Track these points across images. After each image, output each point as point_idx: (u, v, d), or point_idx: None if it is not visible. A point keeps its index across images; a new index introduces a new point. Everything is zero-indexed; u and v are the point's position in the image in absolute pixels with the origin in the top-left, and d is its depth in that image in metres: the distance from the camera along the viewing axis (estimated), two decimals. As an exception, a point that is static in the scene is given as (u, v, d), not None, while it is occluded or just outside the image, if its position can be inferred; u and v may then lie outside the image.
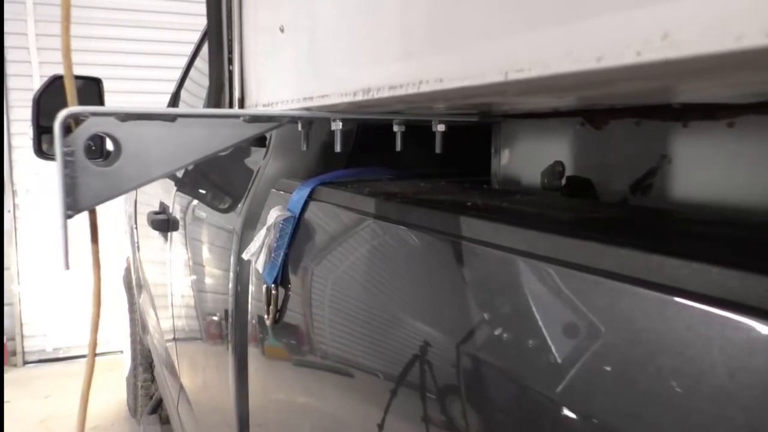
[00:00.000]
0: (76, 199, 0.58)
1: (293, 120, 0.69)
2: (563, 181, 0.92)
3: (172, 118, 0.64)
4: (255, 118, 0.69)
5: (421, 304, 0.64)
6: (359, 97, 0.50)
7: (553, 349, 0.44)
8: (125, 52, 4.19)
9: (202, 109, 0.71)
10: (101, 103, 1.84)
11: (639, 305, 0.38)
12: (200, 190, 1.68)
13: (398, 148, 0.79)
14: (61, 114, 0.58)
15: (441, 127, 0.73)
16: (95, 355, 0.76)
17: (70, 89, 0.68)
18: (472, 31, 0.37)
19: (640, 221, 0.60)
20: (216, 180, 1.60)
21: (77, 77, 1.28)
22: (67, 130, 0.60)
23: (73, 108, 0.59)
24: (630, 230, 0.54)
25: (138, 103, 3.63)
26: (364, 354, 0.74)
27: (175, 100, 2.39)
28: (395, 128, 0.78)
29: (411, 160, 1.06)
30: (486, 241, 0.54)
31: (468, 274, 0.57)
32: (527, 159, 1.00)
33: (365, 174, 0.99)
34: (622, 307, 0.40)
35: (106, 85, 1.79)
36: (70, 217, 0.58)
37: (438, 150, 0.76)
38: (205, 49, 1.72)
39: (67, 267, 0.59)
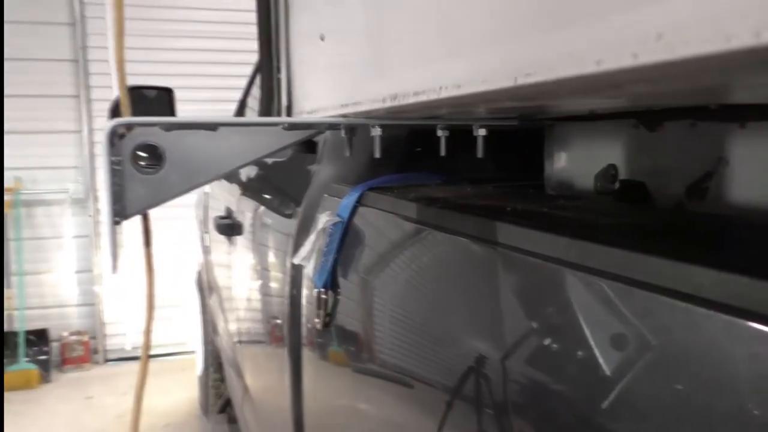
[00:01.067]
0: (124, 206, 0.61)
1: (331, 127, 0.70)
2: (616, 185, 0.89)
3: (213, 127, 0.66)
4: (294, 126, 0.71)
5: (465, 312, 0.63)
6: (387, 104, 0.51)
7: (609, 370, 0.41)
8: (195, 62, 4.34)
9: (242, 118, 0.73)
10: (172, 112, 1.91)
11: (700, 325, 0.34)
12: (262, 195, 1.73)
13: (442, 152, 0.79)
14: (108, 126, 0.61)
15: (482, 132, 0.72)
16: (149, 356, 0.79)
17: (124, 101, 0.71)
18: (482, 38, 0.37)
19: (698, 230, 0.57)
20: (277, 185, 1.64)
21: (150, 87, 1.34)
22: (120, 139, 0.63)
23: (119, 119, 0.62)
24: (688, 241, 0.50)
25: (208, 111, 3.76)
26: (408, 360, 0.74)
27: (242, 107, 2.46)
28: (439, 133, 0.78)
29: (465, 164, 1.05)
30: (533, 251, 0.52)
31: (515, 284, 0.56)
32: (580, 162, 0.98)
33: (414, 179, 0.99)
34: (679, 325, 0.36)
35: (178, 95, 1.86)
36: (117, 223, 0.61)
37: (479, 154, 0.76)
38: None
39: (115, 270, 0.62)
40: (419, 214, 0.76)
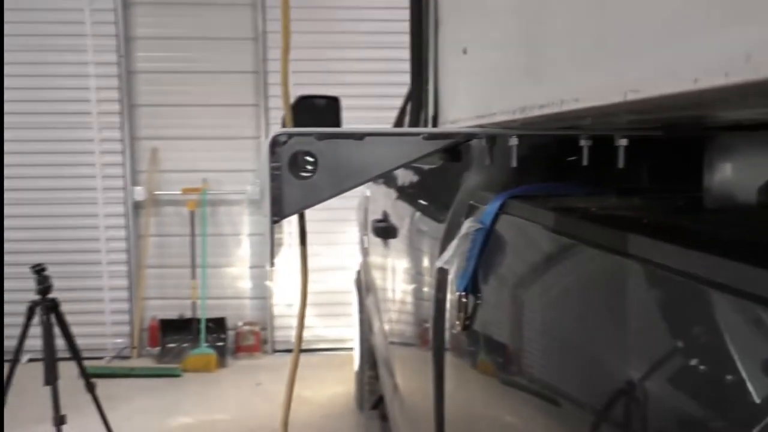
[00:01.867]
0: (281, 207, 0.69)
1: (468, 137, 0.73)
2: (782, 200, 0.83)
3: (360, 137, 0.72)
4: (432, 136, 0.75)
5: (602, 327, 0.62)
6: (517, 116, 0.53)
7: (759, 398, 0.40)
8: (363, 72, 4.54)
9: (385, 128, 0.78)
10: (338, 119, 2.04)
11: None
12: (416, 200, 1.79)
13: (584, 162, 0.79)
14: (270, 135, 0.68)
15: (623, 142, 0.72)
16: (300, 350, 0.86)
17: (288, 113, 0.79)
18: (597, 56, 0.39)
19: None
20: (430, 190, 1.69)
21: (319, 97, 1.45)
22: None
23: (280, 130, 0.69)
24: None
25: (374, 118, 3.92)
26: (543, 368, 0.75)
27: (401, 115, 2.56)
28: (582, 143, 0.78)
29: (614, 174, 1.03)
30: (683, 270, 0.49)
31: (661, 304, 0.54)
32: (743, 174, 0.92)
33: (558, 189, 0.99)
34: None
35: (346, 102, 1.98)
36: (276, 222, 0.69)
37: (620, 165, 0.75)
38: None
39: (272, 265, 0.70)
40: (559, 225, 0.76)
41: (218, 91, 4.54)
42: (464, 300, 0.99)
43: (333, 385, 3.97)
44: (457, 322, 1.02)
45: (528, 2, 0.50)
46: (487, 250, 0.96)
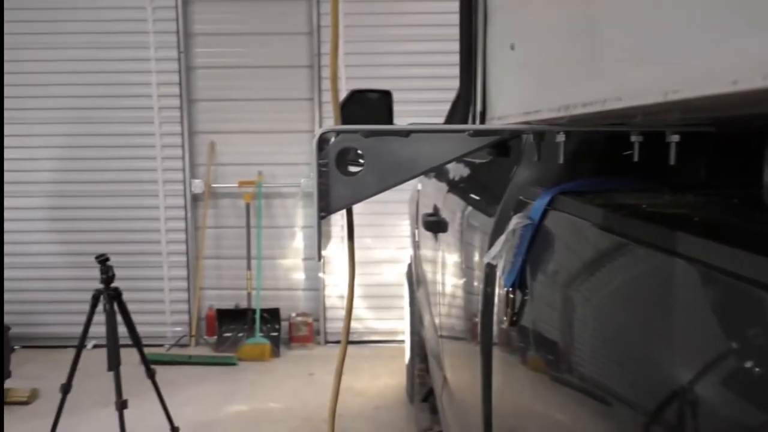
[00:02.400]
0: (328, 203, 0.70)
1: (513, 134, 0.73)
2: (843, 196, 0.80)
3: (406, 134, 0.73)
4: (478, 132, 0.75)
5: (652, 328, 0.62)
6: (561, 113, 0.53)
7: None
8: (414, 65, 4.54)
9: (430, 125, 0.78)
10: (390, 113, 2.05)
11: None
12: (466, 194, 1.78)
13: (635, 158, 0.78)
14: (317, 133, 0.70)
15: (675, 138, 0.70)
16: (347, 342, 0.88)
17: (336, 110, 0.80)
18: (640, 55, 0.38)
19: None
20: (480, 185, 1.69)
21: (369, 91, 1.46)
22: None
23: (327, 127, 0.71)
24: None
25: (426, 112, 3.92)
26: (590, 367, 0.74)
27: (453, 109, 2.55)
28: (633, 138, 0.76)
29: (667, 169, 1.00)
30: (739, 272, 0.48)
31: (714, 306, 0.53)
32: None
33: (609, 184, 0.97)
34: None
35: (398, 96, 1.99)
36: (323, 218, 0.70)
37: (671, 161, 0.73)
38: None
39: (320, 259, 0.71)
40: (609, 222, 0.75)
41: (273, 86, 4.62)
42: (511, 296, 0.99)
43: (384, 377, 4.01)
44: (505, 318, 1.01)
45: (564, 12, 0.50)
46: (535, 246, 0.95)
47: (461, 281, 1.62)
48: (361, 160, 0.78)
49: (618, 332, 0.68)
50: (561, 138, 0.70)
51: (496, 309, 1.16)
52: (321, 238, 0.71)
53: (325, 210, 0.71)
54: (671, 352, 0.58)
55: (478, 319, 1.29)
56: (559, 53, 0.54)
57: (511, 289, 0.98)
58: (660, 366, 0.58)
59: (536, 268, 0.94)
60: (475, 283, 1.35)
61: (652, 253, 0.64)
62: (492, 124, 0.76)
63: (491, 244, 1.24)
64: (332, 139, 0.72)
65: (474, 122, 0.87)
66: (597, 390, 0.72)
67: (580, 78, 0.48)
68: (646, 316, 0.64)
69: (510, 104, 0.73)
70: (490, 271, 1.22)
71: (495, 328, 1.16)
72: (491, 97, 0.86)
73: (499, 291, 1.15)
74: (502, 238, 0.99)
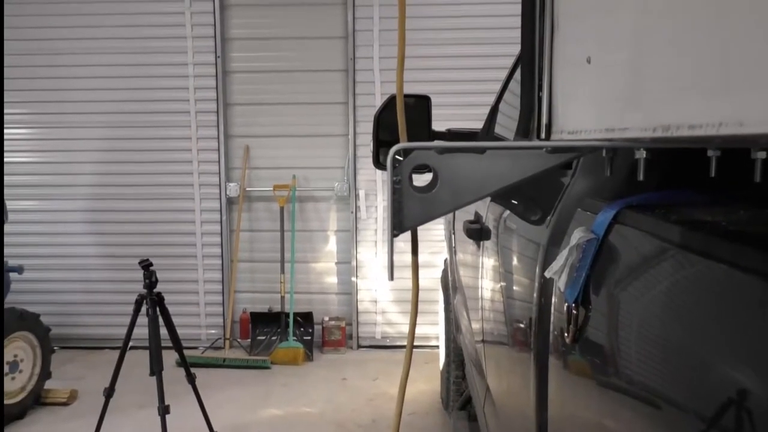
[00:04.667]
0: (401, 221, 0.69)
1: (593, 150, 0.71)
2: None
3: (482, 151, 0.71)
4: (557, 149, 0.73)
5: (723, 347, 0.60)
6: (658, 134, 0.51)
7: None
8: (449, 68, 4.52)
9: (508, 142, 0.77)
10: (429, 118, 2.04)
11: None
12: (512, 202, 1.76)
13: (712, 173, 0.75)
14: (392, 150, 0.69)
15: (761, 155, 0.67)
16: (411, 359, 0.87)
17: (402, 127, 0.79)
18: (726, 83, 0.37)
19: None
20: (527, 193, 1.66)
21: (408, 96, 1.45)
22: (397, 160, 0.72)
23: (402, 144, 0.70)
24: None
25: (462, 116, 3.89)
26: (659, 386, 0.72)
27: (493, 114, 2.52)
28: (710, 153, 0.74)
29: (735, 181, 0.97)
30: None
31: None
32: None
33: (676, 197, 0.95)
34: None
35: (435, 100, 1.98)
36: (396, 236, 0.69)
37: (757, 179, 0.70)
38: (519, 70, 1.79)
39: (391, 278, 0.70)
40: (683, 239, 0.73)
41: (308, 90, 4.64)
42: (574, 312, 0.97)
43: (419, 383, 3.98)
44: (566, 334, 0.99)
45: (662, 23, 0.48)
46: (599, 262, 0.93)
47: (508, 290, 1.60)
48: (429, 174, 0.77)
49: (690, 355, 0.66)
50: (642, 155, 0.68)
51: (552, 323, 1.14)
52: (392, 257, 0.70)
53: (398, 228, 0.70)
54: (749, 376, 0.56)
55: (531, 332, 1.27)
56: (655, 68, 0.52)
57: (573, 305, 0.96)
58: (737, 391, 0.56)
59: (601, 285, 0.92)
60: (527, 294, 1.33)
61: (728, 272, 0.62)
62: (562, 137, 0.74)
63: (547, 256, 1.22)
64: (406, 157, 0.71)
65: (539, 135, 0.85)
66: (664, 412, 0.70)
67: (683, 97, 0.46)
68: (719, 337, 0.62)
69: (585, 119, 0.71)
70: (545, 282, 1.20)
71: (552, 343, 1.14)
72: (558, 109, 0.84)
73: (556, 304, 1.13)
74: (564, 252, 0.97)
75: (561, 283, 1.00)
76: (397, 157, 0.69)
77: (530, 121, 0.93)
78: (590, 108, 0.70)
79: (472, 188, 0.72)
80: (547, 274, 1.01)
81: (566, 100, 0.80)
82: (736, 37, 0.39)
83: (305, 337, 4.55)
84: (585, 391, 1.00)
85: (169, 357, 2.82)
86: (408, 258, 3.96)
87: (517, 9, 0.94)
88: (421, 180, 0.81)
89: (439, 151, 0.70)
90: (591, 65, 0.70)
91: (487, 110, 2.60)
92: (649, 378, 0.75)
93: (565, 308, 1.00)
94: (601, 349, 0.93)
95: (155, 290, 2.63)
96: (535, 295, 1.26)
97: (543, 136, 0.86)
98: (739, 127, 0.39)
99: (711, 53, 0.42)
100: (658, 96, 0.51)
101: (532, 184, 1.62)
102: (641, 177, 0.72)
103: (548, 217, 1.29)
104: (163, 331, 2.72)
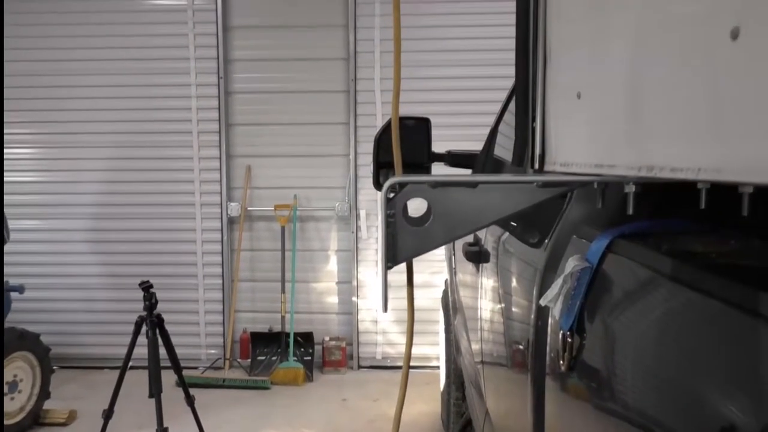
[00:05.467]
0: (395, 254, 0.70)
1: (583, 185, 0.72)
2: None
3: (474, 185, 0.73)
4: (547, 184, 0.74)
5: (716, 381, 0.60)
6: (642, 173, 0.52)
7: None
8: (448, 90, 4.55)
9: (499, 176, 0.78)
10: (429, 140, 2.05)
11: None
12: (511, 226, 1.77)
13: (702, 206, 0.76)
14: (386, 184, 0.70)
15: (748, 189, 0.68)
16: (405, 387, 0.87)
17: (397, 159, 0.81)
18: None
19: None
20: (525, 218, 1.67)
21: (408, 118, 1.46)
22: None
23: (395, 179, 0.71)
24: None
25: (462, 137, 3.91)
26: (652, 416, 0.72)
27: (493, 135, 2.54)
28: (700, 185, 0.75)
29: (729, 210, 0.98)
30: None
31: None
32: None
33: (671, 226, 0.96)
34: None
35: (434, 120, 1.99)
36: (389, 268, 0.70)
37: (744, 213, 0.71)
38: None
39: (385, 310, 0.71)
40: (674, 271, 0.74)
41: (309, 110, 4.67)
42: (569, 339, 0.97)
43: (419, 404, 3.97)
44: (561, 362, 1.00)
45: (649, 67, 0.49)
46: (593, 291, 0.94)
47: (507, 313, 1.61)
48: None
49: (680, 384, 0.66)
50: (631, 189, 0.69)
51: (549, 344, 1.14)
52: (386, 289, 0.71)
53: (392, 260, 0.71)
54: (739, 405, 0.56)
55: (527, 357, 1.27)
56: (640, 110, 0.54)
57: (568, 333, 0.97)
58: (727, 420, 0.57)
59: (594, 314, 0.93)
60: (524, 317, 1.33)
61: (723, 308, 0.63)
62: (554, 169, 0.76)
63: (543, 281, 1.23)
64: (400, 191, 0.72)
65: (532, 165, 0.87)
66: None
67: (666, 141, 0.47)
68: (712, 371, 0.62)
69: (577, 152, 0.72)
70: (542, 309, 1.20)
71: (547, 368, 1.15)
72: (551, 141, 0.85)
73: (552, 326, 1.13)
74: (559, 281, 0.98)
75: (556, 311, 1.00)
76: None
77: (524, 151, 0.94)
78: (581, 142, 0.71)
79: (466, 222, 0.73)
80: (542, 302, 1.02)
81: (559, 132, 0.82)
82: (715, 89, 0.41)
83: (305, 357, 4.54)
84: (581, 417, 1.00)
85: (169, 377, 2.82)
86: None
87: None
88: (416, 206, 0.83)
89: (432, 185, 0.72)
90: (581, 101, 0.72)
91: (487, 131, 2.61)
92: (642, 405, 0.75)
93: (560, 336, 1.00)
94: (596, 377, 0.94)
95: (155, 312, 2.63)
96: (532, 317, 1.27)
97: (537, 166, 0.87)
98: (717, 174, 0.40)
99: (693, 102, 0.44)
100: (642, 137, 0.53)
101: (533, 208, 1.63)
102: (630, 211, 0.73)
103: (546, 240, 1.30)
104: (163, 352, 2.72)
